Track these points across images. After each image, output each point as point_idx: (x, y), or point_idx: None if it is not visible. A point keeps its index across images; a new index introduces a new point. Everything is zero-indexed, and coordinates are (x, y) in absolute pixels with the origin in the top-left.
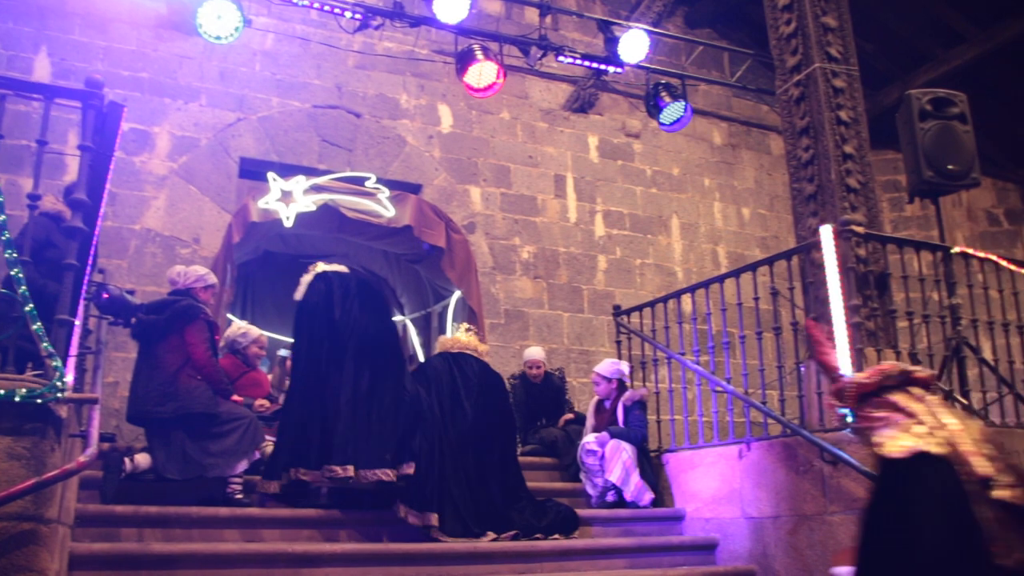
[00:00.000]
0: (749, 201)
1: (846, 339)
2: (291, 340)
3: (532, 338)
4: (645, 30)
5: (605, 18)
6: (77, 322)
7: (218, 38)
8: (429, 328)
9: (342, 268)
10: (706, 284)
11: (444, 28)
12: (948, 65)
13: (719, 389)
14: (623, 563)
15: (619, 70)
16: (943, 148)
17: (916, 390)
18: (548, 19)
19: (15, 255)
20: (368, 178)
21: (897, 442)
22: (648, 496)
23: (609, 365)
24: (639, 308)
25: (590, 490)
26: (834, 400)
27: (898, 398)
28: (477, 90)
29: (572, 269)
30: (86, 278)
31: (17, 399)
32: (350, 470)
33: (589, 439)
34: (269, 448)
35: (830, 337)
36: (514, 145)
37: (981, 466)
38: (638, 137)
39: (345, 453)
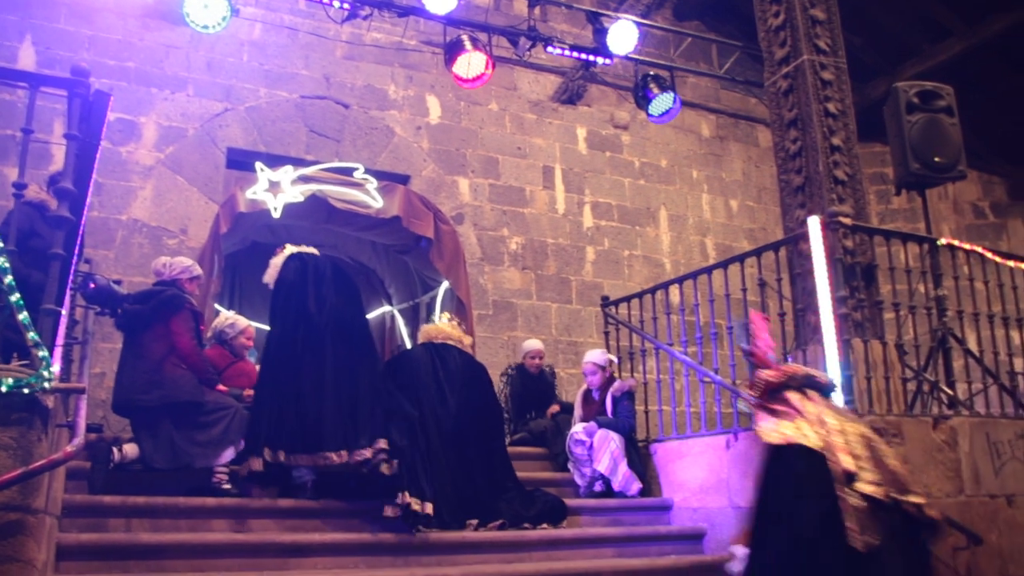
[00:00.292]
0: (737, 193)
1: (833, 330)
2: None
3: (520, 329)
4: (634, 22)
5: (594, 9)
6: (64, 312)
7: (205, 27)
8: (417, 319)
9: (313, 250)
10: (694, 275)
11: (433, 18)
12: (935, 59)
13: (707, 379)
14: (611, 552)
15: (608, 61)
16: (930, 141)
17: (813, 393)
18: (537, 10)
19: (0, 244)
20: (356, 169)
21: (775, 431)
22: (636, 486)
23: (601, 354)
24: (627, 299)
25: (578, 480)
26: (750, 390)
27: (794, 397)
28: (466, 81)
29: (560, 260)
30: (72, 268)
31: (4, 389)
32: (344, 455)
33: (577, 429)
34: None
35: (771, 332)
36: (502, 136)
37: (846, 462)
38: (626, 129)
39: (336, 439)
